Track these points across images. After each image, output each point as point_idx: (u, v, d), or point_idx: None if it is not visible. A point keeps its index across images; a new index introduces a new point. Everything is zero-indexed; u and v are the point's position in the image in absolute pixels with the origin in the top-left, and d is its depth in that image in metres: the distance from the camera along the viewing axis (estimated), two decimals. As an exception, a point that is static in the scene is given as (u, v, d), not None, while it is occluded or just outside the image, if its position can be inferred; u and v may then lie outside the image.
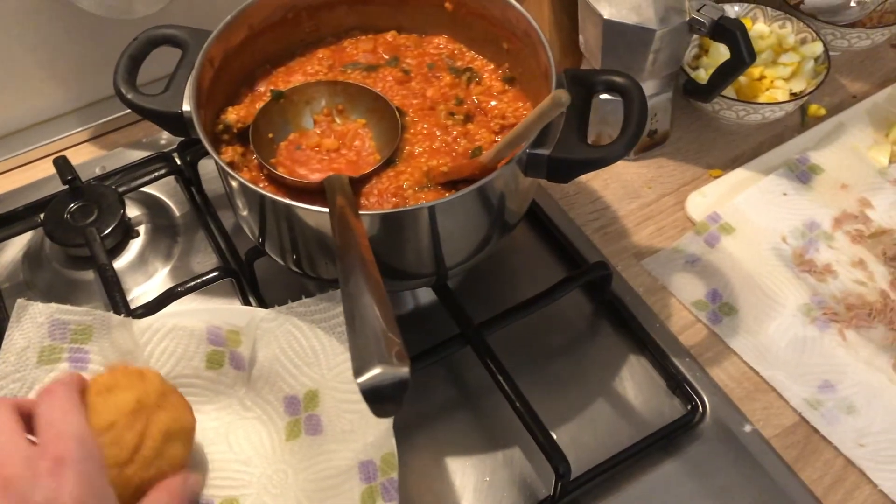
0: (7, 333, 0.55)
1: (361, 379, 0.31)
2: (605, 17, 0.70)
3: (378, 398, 0.31)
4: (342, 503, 0.51)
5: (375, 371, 0.31)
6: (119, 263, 0.72)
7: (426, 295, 0.70)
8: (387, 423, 0.53)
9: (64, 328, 0.55)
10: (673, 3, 0.70)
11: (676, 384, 0.64)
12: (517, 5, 0.65)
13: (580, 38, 0.77)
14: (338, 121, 0.68)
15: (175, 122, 0.61)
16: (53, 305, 0.56)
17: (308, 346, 0.57)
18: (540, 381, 0.65)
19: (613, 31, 0.71)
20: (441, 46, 0.72)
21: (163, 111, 0.61)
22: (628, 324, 0.68)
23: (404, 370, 0.31)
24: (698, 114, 0.84)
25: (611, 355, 0.68)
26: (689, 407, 0.63)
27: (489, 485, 0.61)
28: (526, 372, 0.64)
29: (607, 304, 0.70)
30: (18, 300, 0.56)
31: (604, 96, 0.75)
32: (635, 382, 0.66)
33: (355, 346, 0.33)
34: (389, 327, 0.33)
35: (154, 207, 0.77)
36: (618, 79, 0.59)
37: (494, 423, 0.64)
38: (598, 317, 0.70)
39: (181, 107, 0.61)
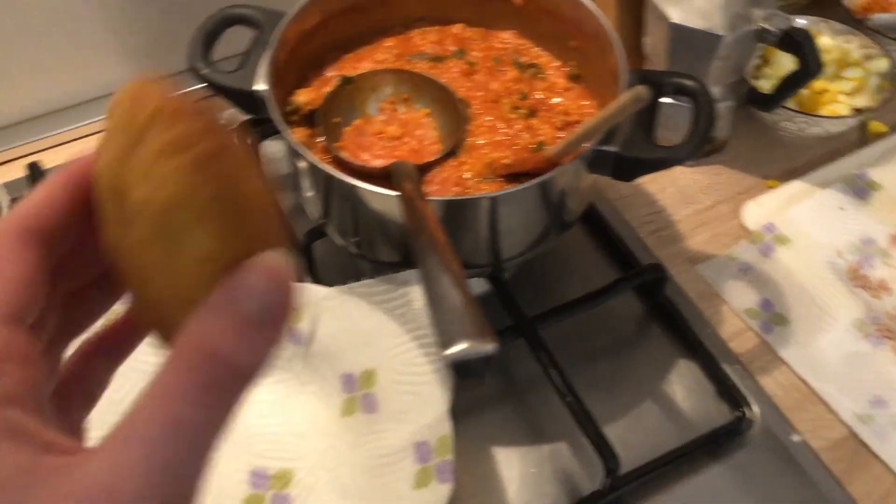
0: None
1: (448, 352, 0.32)
2: (673, 20, 0.70)
3: (464, 371, 0.32)
4: (395, 481, 0.51)
5: (462, 345, 0.32)
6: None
7: (477, 286, 0.71)
8: (443, 406, 0.53)
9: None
10: (742, 10, 0.70)
11: (725, 390, 0.64)
12: (589, 4, 0.65)
13: (645, 40, 0.77)
14: (402, 109, 0.69)
15: (248, 99, 0.62)
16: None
17: (367, 326, 0.57)
18: (588, 378, 0.65)
19: (680, 35, 0.71)
20: (507, 41, 0.73)
21: (237, 88, 0.62)
22: (679, 327, 0.68)
23: (491, 345, 0.32)
24: (757, 124, 0.84)
25: (660, 357, 0.68)
26: (737, 413, 0.63)
27: (534, 477, 0.61)
28: (575, 368, 0.65)
29: (659, 307, 0.70)
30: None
31: (664, 100, 0.75)
32: (684, 386, 0.66)
33: (438, 321, 0.33)
34: (470, 304, 0.34)
35: (214, 185, 0.78)
36: (687, 81, 0.60)
37: (541, 417, 0.64)
38: (649, 319, 0.70)
39: (255, 85, 0.62)
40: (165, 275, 0.24)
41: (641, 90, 0.44)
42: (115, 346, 0.30)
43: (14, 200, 0.71)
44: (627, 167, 0.57)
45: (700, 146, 0.56)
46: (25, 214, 0.26)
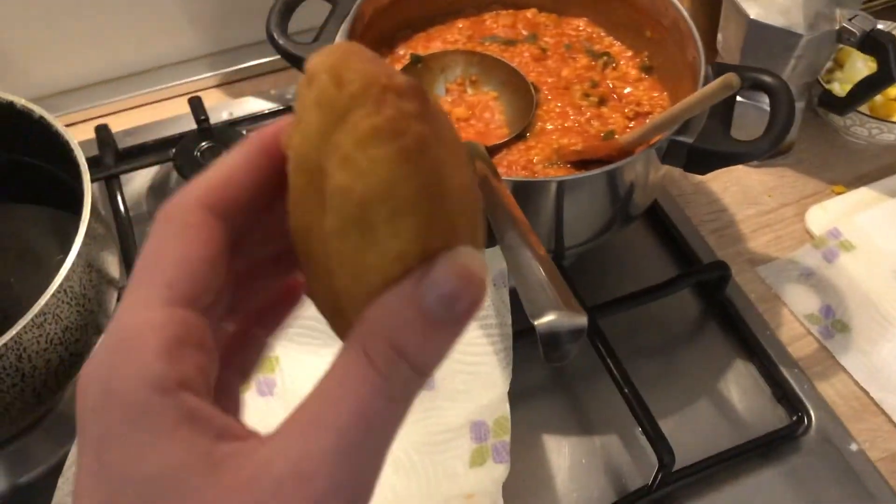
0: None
1: (539, 322, 0.31)
2: (752, 16, 0.69)
3: (554, 343, 0.31)
4: (450, 459, 0.51)
5: (552, 317, 0.31)
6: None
7: (536, 273, 0.70)
8: (502, 388, 0.53)
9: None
10: (824, 9, 0.68)
11: (783, 394, 0.63)
12: (668, -6, 0.65)
13: (719, 36, 0.76)
14: (469, 91, 0.69)
15: (322, 72, 0.62)
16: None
17: (428, 304, 0.57)
18: (642, 373, 0.64)
19: (757, 32, 0.70)
20: (580, 28, 0.72)
21: (312, 60, 0.62)
22: (738, 328, 0.67)
23: (582, 319, 0.31)
24: (826, 128, 0.82)
25: (716, 357, 0.67)
26: (793, 418, 0.62)
27: (584, 467, 0.61)
28: (629, 362, 0.64)
29: (718, 306, 0.69)
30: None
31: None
32: (740, 387, 0.65)
33: (525, 293, 0.33)
34: (556, 278, 0.33)
35: (277, 157, 0.79)
36: (767, 78, 0.59)
37: (593, 409, 0.64)
38: (707, 317, 0.69)
39: (329, 58, 0.62)
40: (353, 268, 0.23)
41: (732, 78, 0.44)
42: (273, 314, 0.29)
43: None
44: (702, 160, 0.56)
45: (778, 143, 0.55)
46: (211, 187, 0.24)
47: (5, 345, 0.47)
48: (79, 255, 0.51)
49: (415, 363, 0.22)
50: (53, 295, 0.49)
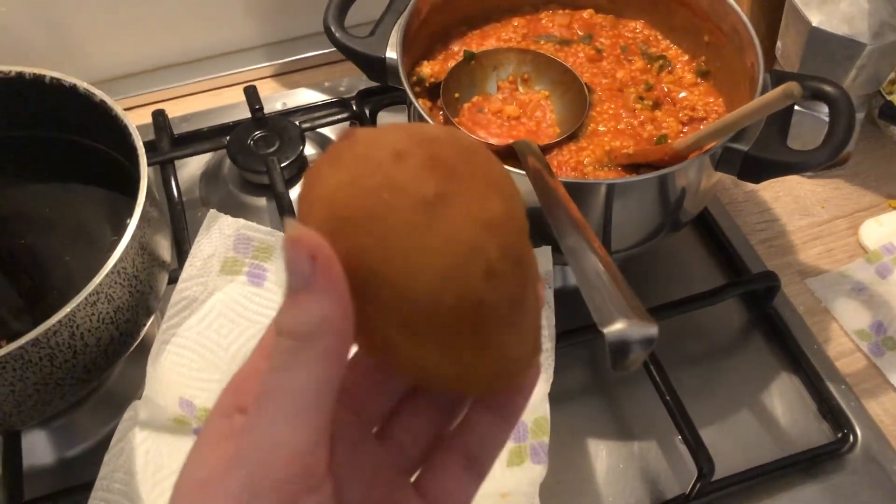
0: (196, 240, 0.58)
1: (608, 329, 0.31)
2: (814, 24, 0.68)
3: (623, 351, 0.31)
4: (488, 457, 0.51)
5: (621, 325, 0.31)
6: (292, 195, 0.74)
7: (580, 275, 0.70)
8: (542, 388, 0.53)
9: (248, 243, 0.58)
10: (889, 18, 0.67)
11: (828, 409, 0.62)
12: (730, 0, 0.64)
13: (778, 43, 0.75)
14: (521, 89, 0.69)
15: (377, 66, 0.63)
16: (241, 221, 0.58)
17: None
18: (685, 380, 0.64)
19: (819, 41, 0.69)
20: (637, 31, 0.71)
21: (367, 54, 0.63)
22: (785, 340, 0.66)
23: (653, 328, 0.31)
24: (884, 141, 0.81)
25: (761, 369, 0.66)
26: (839, 435, 0.61)
27: (622, 472, 0.60)
28: (672, 369, 0.63)
29: (765, 317, 0.68)
30: (211, 210, 0.59)
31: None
32: (784, 400, 0.64)
33: (591, 298, 0.33)
34: (621, 284, 0.33)
35: (328, 149, 0.79)
36: (827, 87, 0.58)
37: (632, 414, 0.63)
38: (753, 328, 0.68)
39: (384, 52, 0.63)
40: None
41: (794, 86, 0.43)
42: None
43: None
44: (757, 168, 0.56)
45: (836, 154, 0.54)
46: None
47: (59, 321, 0.48)
48: (133, 237, 0.52)
49: (289, 332, 0.25)
50: (107, 275, 0.50)
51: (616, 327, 0.31)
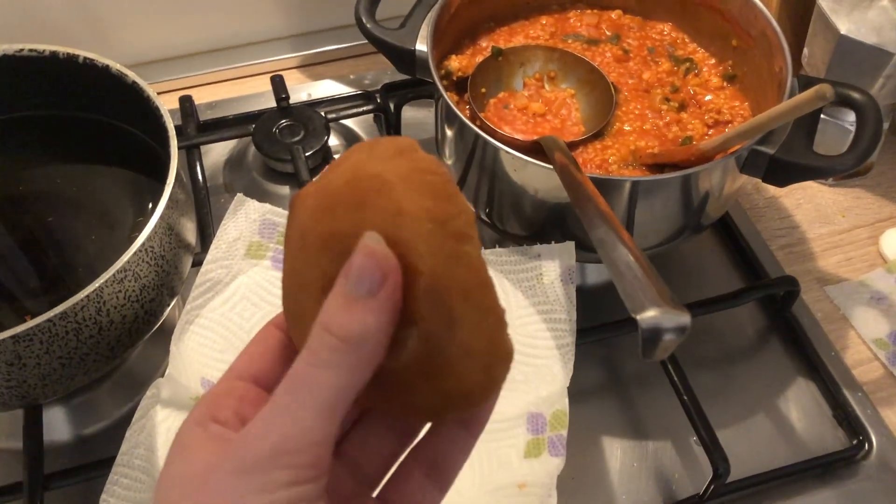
0: (222, 223, 0.58)
1: (641, 317, 0.31)
2: (843, 32, 0.68)
3: (654, 339, 0.31)
4: (505, 447, 0.52)
5: (654, 312, 0.31)
6: (315, 184, 0.75)
7: (600, 274, 0.70)
8: (562, 382, 0.53)
9: (273, 228, 0.58)
10: (918, 29, 0.67)
11: (844, 416, 0.62)
12: (759, 3, 0.64)
13: (805, 49, 0.75)
14: (547, 87, 0.69)
15: (406, 58, 0.63)
16: (267, 206, 0.59)
17: (493, 293, 0.58)
18: (701, 382, 0.64)
19: (846, 49, 0.69)
20: (664, 33, 0.72)
21: (398, 46, 0.63)
22: (802, 346, 0.66)
23: (686, 316, 0.31)
24: (907, 152, 0.81)
25: (777, 373, 0.66)
26: (854, 441, 0.61)
27: (635, 471, 0.60)
28: (689, 370, 0.64)
29: (783, 322, 0.68)
30: (238, 194, 0.59)
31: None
32: (800, 405, 0.64)
33: (623, 287, 0.33)
34: (652, 275, 0.33)
35: (352, 141, 0.80)
36: (855, 94, 0.58)
37: (648, 414, 0.63)
38: (770, 333, 0.68)
39: (414, 45, 0.63)
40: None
41: (826, 88, 0.43)
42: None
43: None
44: (783, 172, 0.56)
45: (863, 160, 0.54)
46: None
47: (87, 296, 0.49)
48: (162, 217, 0.53)
49: (338, 332, 0.27)
50: (136, 253, 0.51)
51: (649, 314, 0.31)
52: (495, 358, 0.30)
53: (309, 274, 0.30)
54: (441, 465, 0.32)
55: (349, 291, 0.27)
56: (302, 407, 0.27)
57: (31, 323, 0.47)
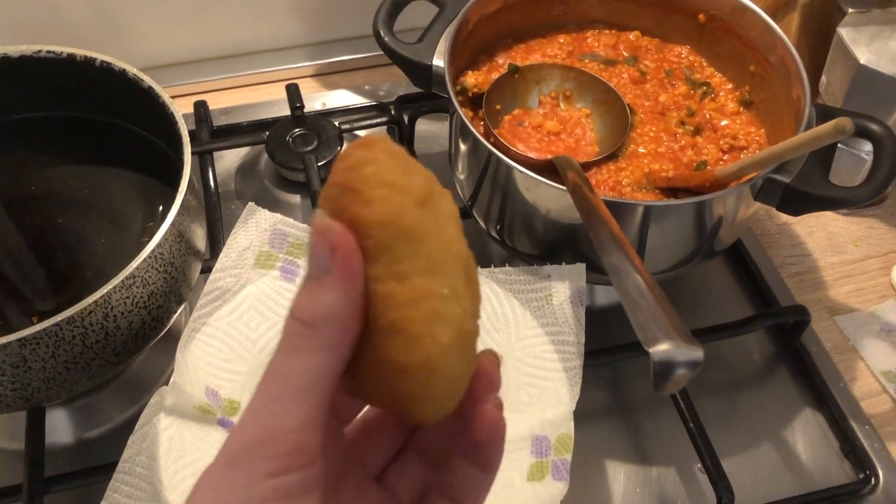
0: (233, 231, 0.58)
1: (654, 350, 0.31)
2: (862, 62, 0.68)
3: (666, 373, 0.31)
4: (508, 469, 0.51)
5: (666, 346, 0.31)
6: (326, 195, 0.75)
7: (609, 296, 0.70)
8: (568, 405, 0.53)
9: (283, 239, 0.58)
10: (938, 62, 0.67)
11: (851, 449, 0.62)
12: (778, 30, 0.64)
13: (823, 78, 0.74)
14: (562, 106, 0.69)
15: (423, 73, 0.63)
16: (278, 216, 0.59)
17: (501, 312, 0.57)
18: (707, 409, 0.63)
19: (865, 78, 0.68)
20: (682, 56, 0.71)
21: (415, 60, 0.63)
22: (810, 376, 0.66)
23: (699, 351, 0.31)
24: (922, 183, 0.80)
25: (784, 403, 0.65)
26: (860, 475, 0.61)
27: (638, 496, 0.60)
28: (695, 397, 0.63)
29: (792, 351, 0.67)
30: (249, 203, 0.59)
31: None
32: (806, 436, 0.63)
33: (636, 318, 0.33)
34: (665, 305, 0.33)
35: (364, 151, 0.80)
36: (873, 125, 0.57)
37: (652, 439, 0.63)
38: (778, 362, 0.68)
39: (431, 60, 0.63)
40: None
41: (846, 122, 0.43)
42: None
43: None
44: (797, 201, 0.55)
45: (879, 192, 0.54)
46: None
47: (95, 302, 0.49)
48: (172, 224, 0.53)
49: (300, 316, 0.27)
50: (145, 259, 0.51)
51: (661, 348, 0.31)
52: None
53: None
54: (462, 498, 0.33)
55: (309, 275, 0.27)
56: (277, 396, 0.27)
57: (37, 326, 0.47)
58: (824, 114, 0.58)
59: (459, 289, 0.28)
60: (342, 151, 0.28)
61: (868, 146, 0.67)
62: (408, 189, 0.28)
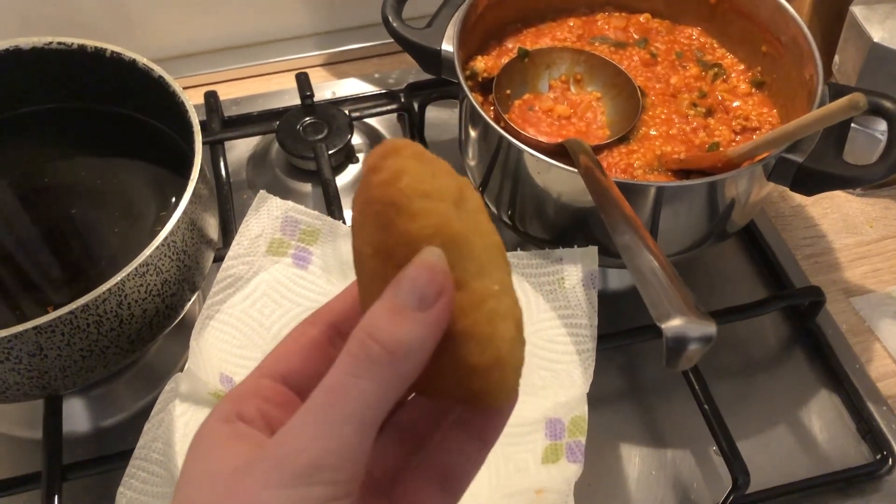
0: (245, 219, 0.59)
1: (666, 325, 0.31)
2: (875, 40, 0.67)
3: (679, 349, 0.31)
4: (522, 452, 0.51)
5: (679, 321, 0.31)
6: (338, 182, 0.75)
7: (621, 279, 0.70)
8: (581, 388, 0.53)
9: (295, 226, 0.58)
10: (953, 38, 0.66)
11: (868, 430, 0.61)
12: (790, 9, 0.63)
13: (836, 57, 0.74)
14: (573, 90, 0.68)
15: (432, 58, 0.63)
16: (290, 203, 0.59)
17: (513, 297, 0.57)
18: (722, 391, 0.63)
19: (879, 56, 0.68)
20: (693, 37, 0.71)
21: (424, 46, 0.63)
22: (826, 357, 0.65)
23: (711, 326, 0.31)
24: (938, 163, 0.79)
25: (800, 385, 0.65)
26: (877, 456, 0.60)
27: (653, 479, 0.60)
28: (709, 379, 0.63)
29: (807, 333, 0.67)
30: (261, 191, 0.59)
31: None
32: (822, 418, 0.63)
33: (648, 295, 0.33)
34: (678, 283, 0.33)
35: (375, 140, 0.80)
36: (887, 103, 0.57)
37: (667, 422, 0.63)
38: (793, 343, 0.68)
39: (440, 45, 0.63)
40: None
41: (860, 97, 0.42)
42: None
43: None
44: (811, 180, 0.55)
45: (893, 171, 0.53)
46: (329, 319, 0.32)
47: (109, 289, 0.49)
48: (185, 212, 0.53)
49: (384, 342, 0.26)
50: (158, 247, 0.51)
51: (674, 323, 0.31)
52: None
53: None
54: (453, 474, 0.32)
55: (400, 301, 0.26)
56: (343, 420, 0.26)
57: (53, 314, 0.47)
58: (838, 93, 0.58)
59: (506, 280, 0.29)
60: (369, 161, 0.28)
61: (882, 126, 0.67)
62: (444, 193, 0.28)
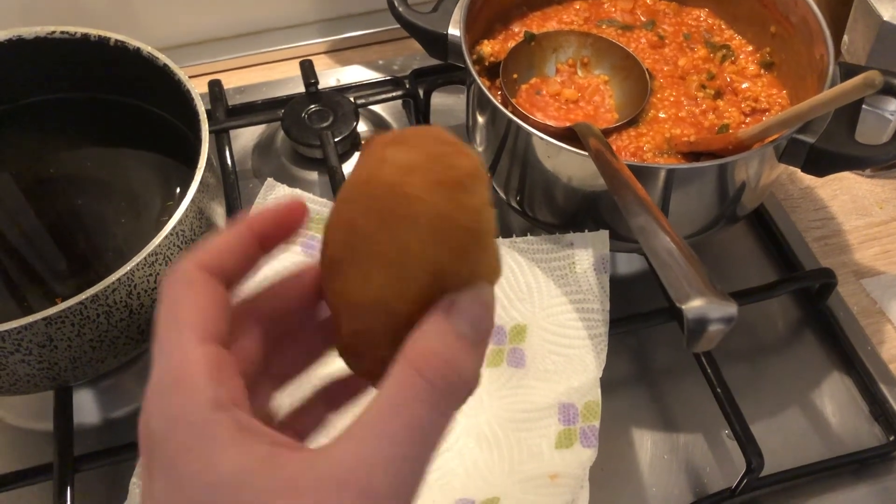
0: (252, 208, 0.58)
1: (687, 306, 0.30)
2: (885, 18, 0.66)
3: (700, 329, 0.30)
4: (536, 437, 0.51)
5: (699, 302, 0.30)
6: (345, 170, 0.74)
7: (631, 264, 0.69)
8: (594, 372, 0.53)
9: (303, 214, 0.58)
10: (963, 16, 0.65)
11: (881, 411, 0.61)
12: (800, -11, 0.62)
13: (845, 37, 0.73)
14: (580, 73, 0.68)
15: (439, 42, 0.62)
16: (297, 191, 0.59)
17: (524, 281, 0.57)
18: (733, 375, 0.62)
19: (889, 35, 0.67)
20: (701, 19, 0.70)
21: (430, 30, 0.62)
22: (837, 340, 0.65)
23: (732, 306, 0.30)
24: (947, 143, 0.79)
25: (811, 367, 0.65)
26: (890, 437, 0.60)
27: (665, 463, 0.60)
28: (721, 362, 0.63)
29: (818, 316, 0.67)
30: (268, 179, 0.59)
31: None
32: (835, 400, 0.63)
33: (666, 276, 0.32)
34: (696, 263, 0.32)
35: (380, 127, 0.79)
36: (899, 82, 0.56)
37: (679, 406, 0.62)
38: (804, 326, 0.67)
39: (447, 29, 0.62)
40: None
41: (875, 75, 0.42)
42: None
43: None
44: (823, 161, 0.55)
45: (906, 150, 0.53)
46: (205, 254, 0.29)
47: (118, 280, 0.49)
48: (192, 201, 0.53)
49: (465, 376, 0.26)
50: (167, 237, 0.51)
51: (695, 304, 0.31)
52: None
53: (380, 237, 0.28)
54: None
55: (467, 335, 0.26)
56: (410, 456, 0.24)
57: (62, 305, 0.47)
58: (850, 72, 0.57)
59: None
60: (380, 155, 0.27)
61: (892, 106, 0.66)
62: (457, 183, 0.28)
